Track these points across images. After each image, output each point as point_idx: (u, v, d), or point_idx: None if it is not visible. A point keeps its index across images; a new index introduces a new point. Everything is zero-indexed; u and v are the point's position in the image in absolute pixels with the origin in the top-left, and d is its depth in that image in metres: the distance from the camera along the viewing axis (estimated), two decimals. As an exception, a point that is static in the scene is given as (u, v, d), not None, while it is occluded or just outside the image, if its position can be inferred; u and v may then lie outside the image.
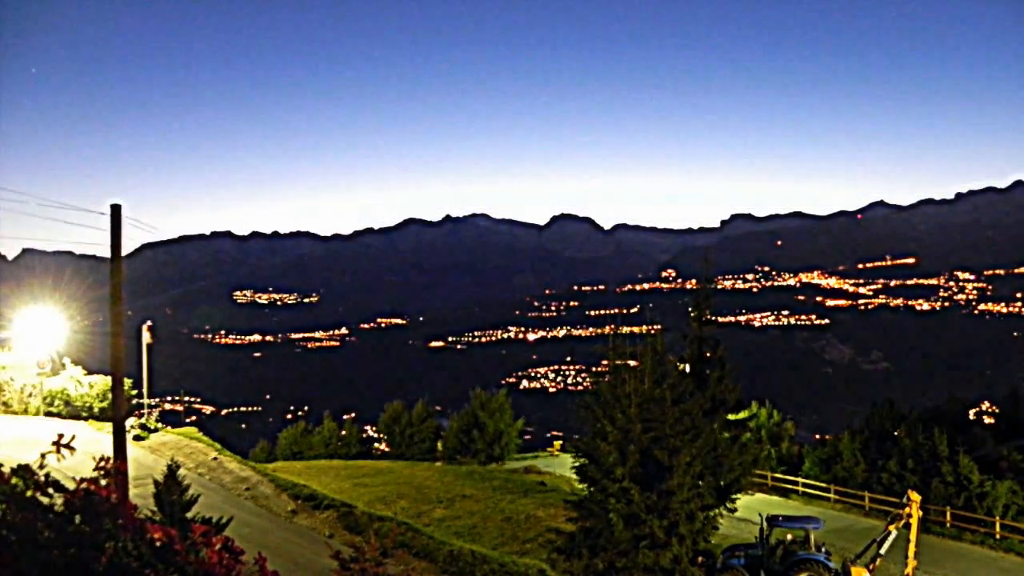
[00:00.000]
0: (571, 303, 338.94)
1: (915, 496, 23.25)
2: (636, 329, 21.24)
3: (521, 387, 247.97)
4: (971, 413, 46.28)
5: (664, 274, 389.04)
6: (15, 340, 37.79)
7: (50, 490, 2.68)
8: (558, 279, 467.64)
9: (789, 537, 23.32)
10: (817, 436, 52.75)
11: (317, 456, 50.33)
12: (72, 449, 2.92)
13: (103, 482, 2.70)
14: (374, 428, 62.90)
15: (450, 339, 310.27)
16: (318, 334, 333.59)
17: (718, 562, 21.82)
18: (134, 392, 36.03)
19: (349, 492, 31.33)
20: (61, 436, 2.92)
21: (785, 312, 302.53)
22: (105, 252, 21.18)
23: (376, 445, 57.07)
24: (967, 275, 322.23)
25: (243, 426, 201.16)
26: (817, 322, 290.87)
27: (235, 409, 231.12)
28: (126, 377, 22.39)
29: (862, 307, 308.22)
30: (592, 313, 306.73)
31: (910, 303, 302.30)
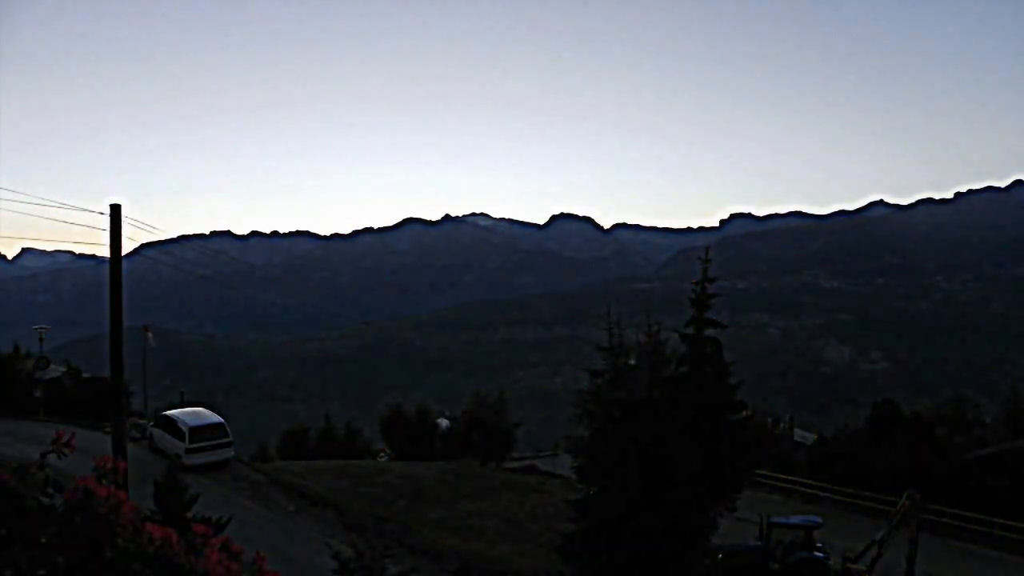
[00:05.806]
0: (571, 303, 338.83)
1: (915, 495, 23.28)
2: (636, 329, 21.19)
3: (521, 387, 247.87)
4: (971, 413, 46.19)
5: (664, 274, 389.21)
6: (15, 339, 37.82)
7: (50, 490, 2.68)
8: (558, 279, 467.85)
9: (789, 537, 23.34)
10: (817, 436, 52.61)
11: (316, 456, 50.30)
12: (72, 448, 2.92)
13: (103, 482, 2.70)
14: (373, 428, 62.84)
15: (449, 339, 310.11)
16: (318, 334, 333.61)
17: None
18: (134, 392, 36.03)
19: (349, 492, 31.30)
20: (61, 435, 2.92)
21: (785, 312, 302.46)
22: (105, 252, 21.17)
23: (375, 445, 57.03)
24: (967, 275, 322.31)
25: (242, 426, 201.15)
26: (817, 322, 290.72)
27: (234, 409, 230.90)
28: (126, 377, 22.37)
29: (862, 307, 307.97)
30: (592, 313, 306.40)
31: (910, 303, 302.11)
